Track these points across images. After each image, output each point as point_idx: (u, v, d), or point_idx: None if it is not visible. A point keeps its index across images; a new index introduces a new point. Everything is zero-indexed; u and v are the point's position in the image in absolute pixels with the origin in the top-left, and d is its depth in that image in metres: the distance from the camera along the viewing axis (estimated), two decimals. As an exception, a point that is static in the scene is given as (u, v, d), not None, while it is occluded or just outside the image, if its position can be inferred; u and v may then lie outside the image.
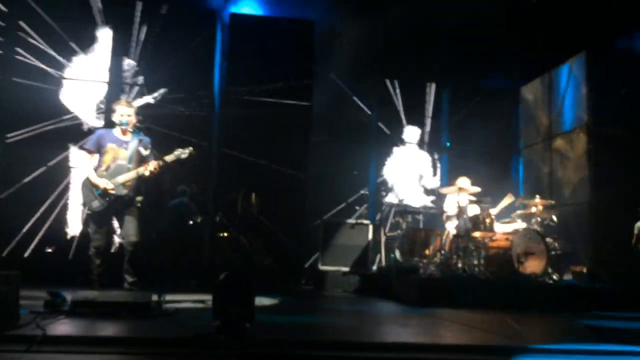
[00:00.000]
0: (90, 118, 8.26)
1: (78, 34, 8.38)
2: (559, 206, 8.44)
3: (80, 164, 5.57)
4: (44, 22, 8.26)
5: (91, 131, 8.08)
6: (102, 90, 8.45)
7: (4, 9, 8.11)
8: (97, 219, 5.42)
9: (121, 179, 5.31)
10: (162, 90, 8.33)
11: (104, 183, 5.27)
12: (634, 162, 8.35)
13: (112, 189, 5.27)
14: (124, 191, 5.32)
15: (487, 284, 6.65)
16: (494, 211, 7.49)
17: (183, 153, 5.38)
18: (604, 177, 8.45)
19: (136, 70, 8.50)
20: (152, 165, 5.33)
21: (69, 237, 8.01)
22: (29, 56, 8.20)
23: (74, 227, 8.04)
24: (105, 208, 5.32)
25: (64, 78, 8.26)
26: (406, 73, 10.12)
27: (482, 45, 9.58)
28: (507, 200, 7.74)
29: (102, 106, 8.37)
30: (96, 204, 5.30)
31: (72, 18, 8.34)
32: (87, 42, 8.44)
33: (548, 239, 7.17)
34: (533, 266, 6.85)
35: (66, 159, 8.18)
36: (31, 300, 4.67)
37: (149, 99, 8.36)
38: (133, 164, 5.38)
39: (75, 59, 8.37)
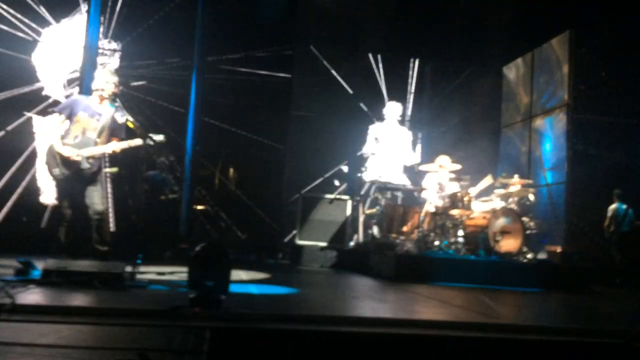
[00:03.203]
0: (55, 90, 8.00)
1: (56, 2, 8.09)
2: (537, 186, 8.50)
3: (48, 128, 5.37)
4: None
5: (47, 98, 7.88)
6: (74, 62, 8.16)
7: None
8: (61, 187, 5.28)
9: (85, 152, 5.14)
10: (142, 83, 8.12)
11: (67, 152, 5.09)
12: (612, 144, 8.43)
13: (75, 160, 5.10)
14: (87, 165, 5.15)
15: (463, 262, 6.69)
16: (473, 191, 7.51)
17: (154, 138, 5.21)
18: (581, 159, 8.53)
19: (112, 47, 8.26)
20: (116, 147, 5.19)
21: (43, 204, 7.82)
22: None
23: (47, 194, 7.85)
24: (67, 177, 5.16)
25: (39, 40, 7.98)
26: (389, 47, 10.03)
27: (466, 22, 9.53)
28: (487, 181, 7.76)
29: (68, 80, 8.11)
30: (57, 171, 5.13)
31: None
32: (63, 10, 8.14)
33: (524, 218, 7.22)
34: (509, 244, 6.91)
35: (29, 125, 7.94)
36: (1, 268, 4.56)
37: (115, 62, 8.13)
38: (102, 139, 5.21)
39: (52, 26, 8.08)
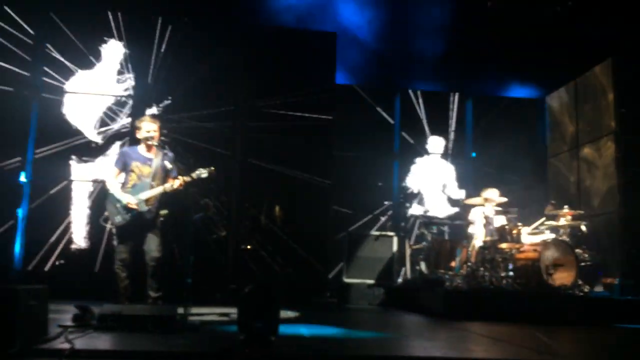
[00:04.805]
0: (91, 133, 8.34)
1: (99, 50, 8.50)
2: (588, 216, 8.27)
3: (106, 180, 5.73)
4: (67, 38, 8.39)
5: (95, 146, 8.21)
6: (103, 105, 8.47)
7: (30, 31, 8.29)
8: (120, 234, 5.59)
9: (144, 195, 5.46)
10: (167, 102, 8.39)
11: (126, 198, 5.42)
12: (664, 169, 8.17)
13: (135, 205, 5.39)
14: (146, 208, 5.46)
15: (515, 297, 6.53)
16: (527, 230, 7.37)
17: (203, 173, 5.52)
18: (634, 185, 8.28)
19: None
20: (173, 184, 5.46)
21: (72, 249, 8.04)
22: (55, 73, 8.36)
23: (78, 240, 8.07)
24: (128, 223, 5.45)
25: (67, 92, 8.30)
26: (429, 83, 10.09)
27: (506, 54, 9.50)
28: (541, 221, 7.61)
29: (102, 121, 8.42)
30: (119, 218, 5.45)
31: (92, 34, 8.45)
32: (104, 56, 8.52)
33: (577, 250, 7.03)
34: (562, 278, 6.72)
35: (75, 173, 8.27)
36: (60, 313, 4.72)
37: (154, 110, 8.43)
38: (156, 181, 5.54)
39: (86, 72, 8.44)
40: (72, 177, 8.14)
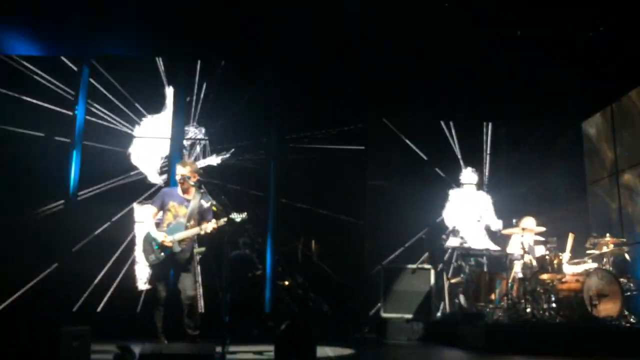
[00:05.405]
0: (152, 174, 8.61)
1: (146, 95, 8.83)
2: (632, 244, 8.03)
3: (144, 219, 5.93)
4: (114, 86, 8.76)
5: (151, 186, 8.46)
6: (166, 148, 8.80)
7: (73, 67, 8.69)
8: (156, 272, 5.74)
9: (178, 236, 5.59)
10: (226, 155, 8.62)
11: (161, 237, 5.56)
12: None
13: (169, 243, 5.52)
14: (179, 248, 5.58)
15: (559, 329, 6.34)
16: (565, 255, 7.20)
17: (237, 217, 5.63)
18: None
19: (198, 131, 8.85)
20: (207, 227, 5.59)
21: (138, 290, 8.24)
22: (101, 115, 8.71)
23: (142, 281, 8.28)
24: (162, 262, 5.59)
25: (134, 136, 8.68)
26: (461, 113, 10.05)
27: (539, 81, 9.42)
28: (570, 239, 7.43)
29: (163, 163, 8.71)
30: (152, 257, 5.61)
31: (141, 80, 8.81)
32: (154, 102, 8.87)
33: (622, 279, 6.81)
34: (607, 309, 6.50)
35: (130, 213, 8.50)
36: (102, 354, 4.80)
37: (212, 160, 8.67)
38: (192, 222, 5.68)
39: (144, 119, 8.81)
40: (135, 219, 8.38)
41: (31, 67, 8.67)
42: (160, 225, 5.69)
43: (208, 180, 8.36)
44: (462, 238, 8.89)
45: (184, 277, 5.61)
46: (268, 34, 8.46)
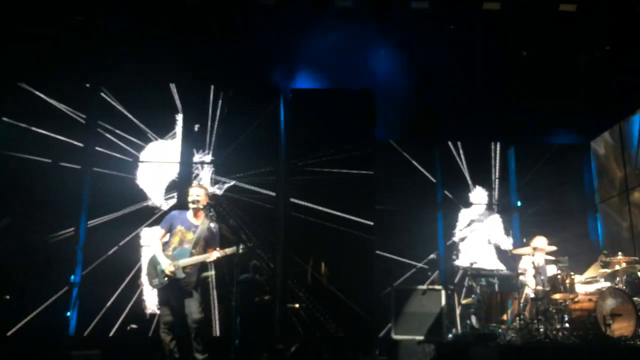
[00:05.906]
0: (158, 199, 8.65)
1: (156, 122, 8.93)
2: (644, 261, 7.94)
3: (151, 241, 5.91)
4: (122, 113, 8.88)
5: (156, 209, 8.49)
6: (173, 172, 8.85)
7: (81, 116, 8.80)
8: (161, 296, 5.69)
9: (182, 262, 5.55)
10: (231, 183, 8.68)
11: (165, 264, 5.51)
12: None
13: (172, 271, 5.49)
14: (183, 275, 5.54)
15: (573, 350, 6.26)
16: (580, 278, 7.14)
17: (240, 249, 5.61)
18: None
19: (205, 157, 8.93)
20: (210, 256, 5.59)
21: (149, 315, 8.22)
22: (110, 140, 8.81)
23: (154, 304, 8.26)
24: (166, 287, 5.56)
25: (140, 161, 8.74)
26: (469, 134, 10.06)
27: (546, 101, 9.43)
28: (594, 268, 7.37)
29: (169, 188, 8.75)
30: (156, 281, 5.58)
31: (150, 106, 8.92)
32: (164, 128, 8.96)
33: (635, 298, 6.72)
34: (622, 328, 6.42)
35: (136, 238, 8.53)
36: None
37: (215, 189, 8.73)
38: (197, 249, 5.63)
39: (150, 144, 8.88)
40: (142, 244, 8.42)
41: (43, 96, 8.78)
42: (167, 249, 5.65)
43: (218, 199, 8.42)
44: (472, 258, 8.84)
45: (188, 301, 5.56)
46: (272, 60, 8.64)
